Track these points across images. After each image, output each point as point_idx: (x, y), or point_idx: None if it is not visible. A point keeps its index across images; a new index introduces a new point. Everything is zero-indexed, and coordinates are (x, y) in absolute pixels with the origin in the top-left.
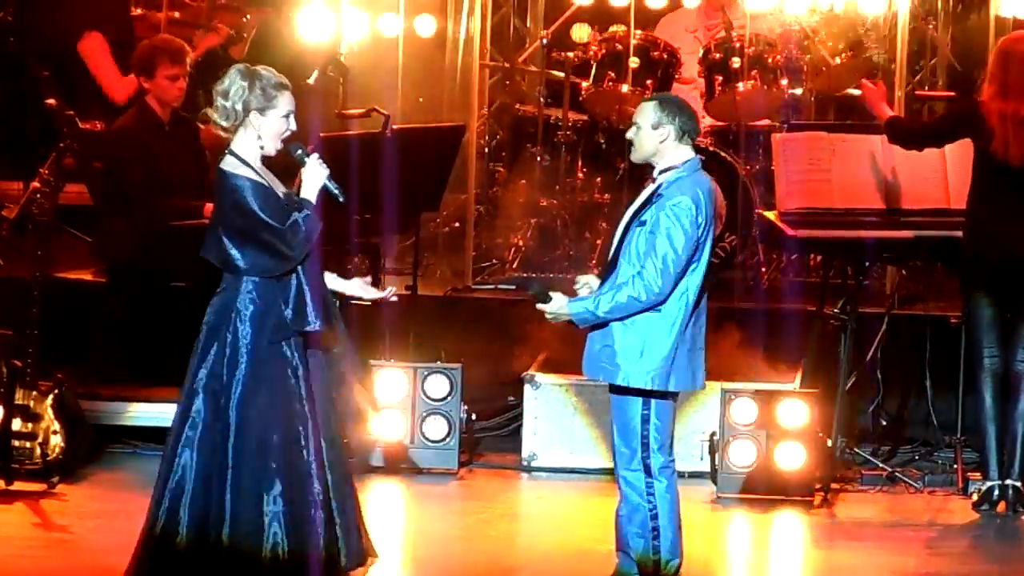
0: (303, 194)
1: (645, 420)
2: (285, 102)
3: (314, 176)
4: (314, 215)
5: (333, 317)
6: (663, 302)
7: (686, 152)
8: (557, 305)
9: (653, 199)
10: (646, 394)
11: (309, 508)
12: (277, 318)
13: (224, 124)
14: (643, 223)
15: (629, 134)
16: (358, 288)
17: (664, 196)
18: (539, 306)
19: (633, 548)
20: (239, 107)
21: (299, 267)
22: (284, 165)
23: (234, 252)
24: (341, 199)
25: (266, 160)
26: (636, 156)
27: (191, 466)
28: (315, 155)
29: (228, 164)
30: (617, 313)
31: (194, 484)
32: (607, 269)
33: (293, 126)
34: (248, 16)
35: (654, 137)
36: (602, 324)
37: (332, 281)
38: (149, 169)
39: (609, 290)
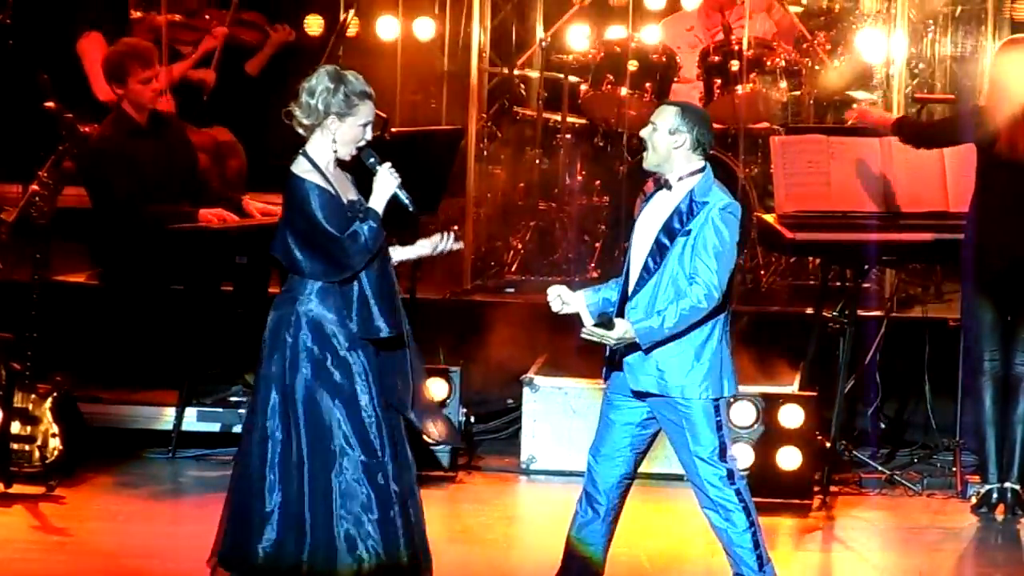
0: (371, 203)
1: (719, 426)
2: (366, 112)
3: (384, 185)
4: (378, 226)
5: (403, 323)
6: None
7: (698, 161)
8: (621, 330)
9: (693, 207)
10: (712, 398)
11: (367, 513)
12: (344, 327)
13: (305, 121)
14: (687, 232)
15: (644, 132)
16: (427, 247)
17: (710, 202)
18: (602, 333)
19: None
20: (320, 107)
21: (364, 275)
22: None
23: (298, 254)
24: (411, 208)
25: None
26: (650, 161)
27: (270, 459)
28: (387, 164)
29: (298, 167)
30: (682, 325)
31: (279, 476)
32: (638, 281)
33: (370, 135)
34: (271, 34)
35: (669, 142)
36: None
37: (398, 252)
38: (133, 176)
39: (670, 304)
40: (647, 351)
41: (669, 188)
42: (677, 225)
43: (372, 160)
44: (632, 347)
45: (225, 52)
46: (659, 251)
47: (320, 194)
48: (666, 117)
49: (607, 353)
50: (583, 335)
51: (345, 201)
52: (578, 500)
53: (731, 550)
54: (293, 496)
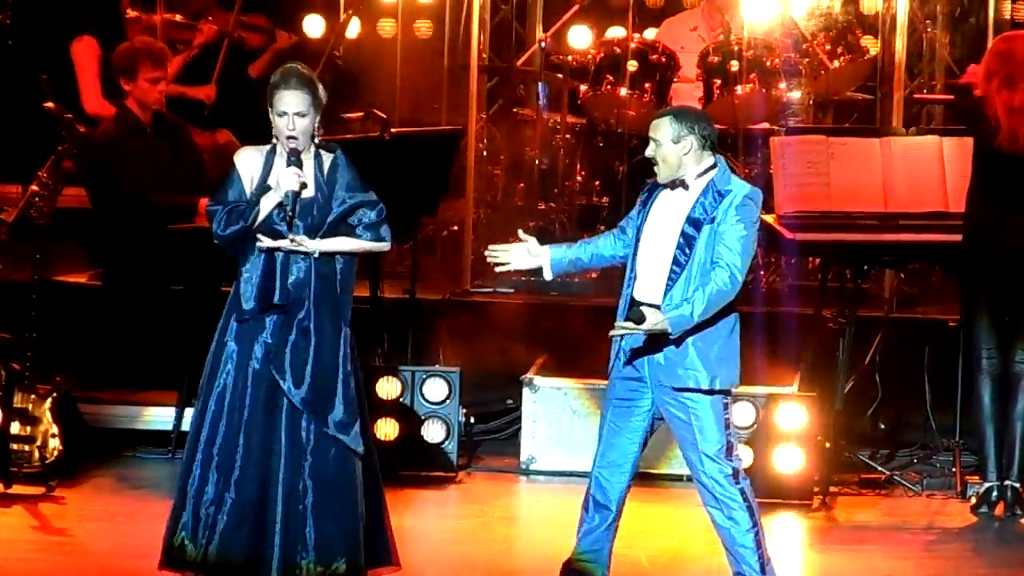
0: (264, 195)
1: (727, 424)
2: (278, 102)
3: (280, 185)
4: (238, 215)
5: (276, 303)
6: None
7: (709, 158)
8: (653, 320)
9: (717, 196)
10: (723, 394)
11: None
12: (231, 311)
13: None
14: (712, 220)
15: (649, 152)
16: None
17: (733, 190)
18: (632, 327)
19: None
20: (268, 98)
21: (249, 260)
22: None
23: None
24: (286, 216)
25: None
26: (664, 175)
27: None
28: (293, 168)
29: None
30: (711, 310)
31: None
32: (670, 277)
33: (292, 127)
34: (275, 38)
35: (676, 151)
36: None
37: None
38: (134, 173)
39: (696, 290)
40: (677, 343)
41: (686, 188)
42: (702, 215)
43: (293, 159)
44: (655, 342)
45: (228, 54)
46: (687, 243)
47: (230, 170)
48: (664, 129)
49: (619, 355)
50: (613, 333)
51: (257, 184)
52: (584, 507)
53: (733, 549)
54: None
